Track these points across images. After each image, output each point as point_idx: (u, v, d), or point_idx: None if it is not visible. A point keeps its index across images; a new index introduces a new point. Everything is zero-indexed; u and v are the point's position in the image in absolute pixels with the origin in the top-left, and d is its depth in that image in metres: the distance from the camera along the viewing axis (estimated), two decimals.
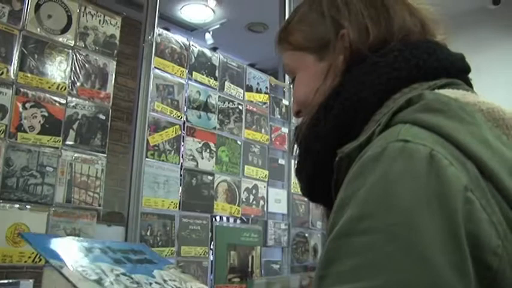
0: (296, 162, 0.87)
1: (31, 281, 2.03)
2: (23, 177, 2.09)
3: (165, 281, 1.21)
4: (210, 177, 2.87)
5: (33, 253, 2.04)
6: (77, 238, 1.31)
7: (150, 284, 1.15)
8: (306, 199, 3.59)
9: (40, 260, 2.06)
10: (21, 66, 2.17)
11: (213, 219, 2.88)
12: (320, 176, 0.80)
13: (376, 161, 0.60)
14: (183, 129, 2.79)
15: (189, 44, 2.95)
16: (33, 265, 2.05)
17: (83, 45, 2.41)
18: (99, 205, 2.31)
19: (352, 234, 0.57)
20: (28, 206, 2.08)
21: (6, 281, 1.98)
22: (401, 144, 0.59)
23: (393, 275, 0.53)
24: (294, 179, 3.43)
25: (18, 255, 2.02)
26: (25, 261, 2.03)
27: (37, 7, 2.26)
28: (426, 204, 0.55)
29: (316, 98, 0.84)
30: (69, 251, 1.18)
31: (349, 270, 0.56)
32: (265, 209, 3.19)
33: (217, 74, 3.08)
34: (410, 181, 0.56)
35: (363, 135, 0.70)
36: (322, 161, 0.78)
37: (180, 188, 2.69)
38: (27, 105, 2.17)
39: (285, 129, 3.49)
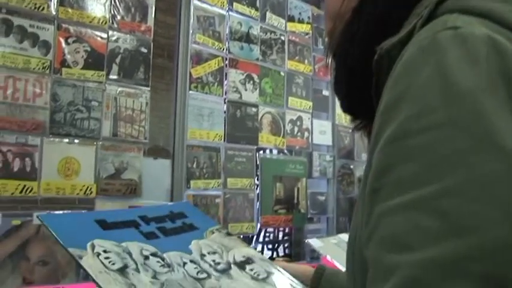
0: (333, 76, 0.80)
1: (84, 212, 2.08)
2: (70, 112, 2.11)
3: (202, 256, 1.10)
4: (254, 109, 2.84)
5: (84, 186, 2.09)
6: (108, 211, 1.14)
7: (184, 264, 1.04)
8: (350, 130, 3.55)
9: (91, 192, 2.10)
10: (62, 1, 2.15)
11: (258, 151, 2.88)
12: (359, 85, 0.72)
13: (425, 52, 0.54)
14: (226, 61, 2.75)
15: None
16: (85, 197, 2.10)
17: None
18: (145, 138, 2.32)
19: (408, 136, 0.51)
20: (76, 140, 2.11)
21: (61, 212, 2.03)
22: (452, 31, 0.53)
23: (465, 171, 0.47)
24: (338, 110, 3.38)
25: (70, 187, 2.06)
26: (77, 194, 2.08)
27: None
28: (492, 87, 0.49)
29: (347, 3, 0.76)
30: (94, 230, 1.06)
31: (410, 176, 0.50)
32: (310, 140, 3.17)
33: (258, 5, 2.99)
34: (470, 66, 0.50)
35: (403, 30, 0.63)
36: (360, 67, 0.71)
37: (225, 120, 2.68)
38: (70, 40, 2.17)
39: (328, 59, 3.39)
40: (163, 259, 1.03)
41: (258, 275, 1.12)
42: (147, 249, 1.04)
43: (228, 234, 1.27)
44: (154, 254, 1.05)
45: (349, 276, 0.70)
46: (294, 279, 1.14)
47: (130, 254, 1.01)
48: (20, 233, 1.94)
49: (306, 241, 1.97)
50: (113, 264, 0.96)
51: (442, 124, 0.50)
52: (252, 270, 1.13)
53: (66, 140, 2.09)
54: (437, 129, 0.50)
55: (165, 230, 1.14)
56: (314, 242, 1.78)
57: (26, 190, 1.96)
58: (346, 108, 0.81)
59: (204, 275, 1.04)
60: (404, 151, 0.51)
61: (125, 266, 0.97)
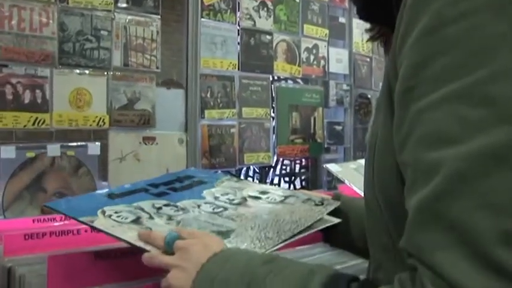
0: None
1: (98, 143, 2.06)
2: (79, 42, 2.05)
3: (216, 198, 1.12)
4: (268, 37, 2.75)
5: (97, 117, 2.06)
6: (116, 188, 1.15)
7: (199, 206, 1.06)
8: (368, 59, 3.44)
9: (104, 123, 2.08)
10: None
11: (273, 81, 2.82)
12: None
13: None
14: None
15: None
16: (99, 128, 2.08)
17: None
18: (157, 68, 2.26)
19: (445, 24, 0.47)
20: (87, 71, 2.07)
21: (75, 144, 2.02)
22: None
23: (509, 53, 0.43)
24: (355, 38, 3.28)
25: (83, 119, 2.03)
26: (90, 125, 2.06)
27: None
28: None
29: None
30: (103, 201, 1.04)
31: (451, 66, 0.46)
32: (326, 69, 3.08)
33: None
34: None
35: None
36: None
37: (239, 48, 2.60)
38: None
39: None
40: (176, 207, 1.04)
41: (275, 199, 1.12)
42: (158, 202, 1.06)
43: (239, 180, 1.27)
44: (167, 205, 1.06)
45: (367, 191, 0.66)
46: (312, 195, 1.12)
47: (142, 209, 1.03)
48: (35, 165, 1.93)
49: (324, 166, 1.93)
50: (126, 219, 0.98)
51: (481, 8, 0.45)
52: (268, 198, 1.13)
53: (77, 71, 2.05)
54: (476, 13, 0.45)
55: (175, 188, 1.14)
56: (332, 167, 1.75)
57: (39, 122, 1.94)
58: (362, 14, 0.76)
59: (221, 209, 1.04)
60: (442, 41, 0.47)
61: (138, 218, 0.98)
